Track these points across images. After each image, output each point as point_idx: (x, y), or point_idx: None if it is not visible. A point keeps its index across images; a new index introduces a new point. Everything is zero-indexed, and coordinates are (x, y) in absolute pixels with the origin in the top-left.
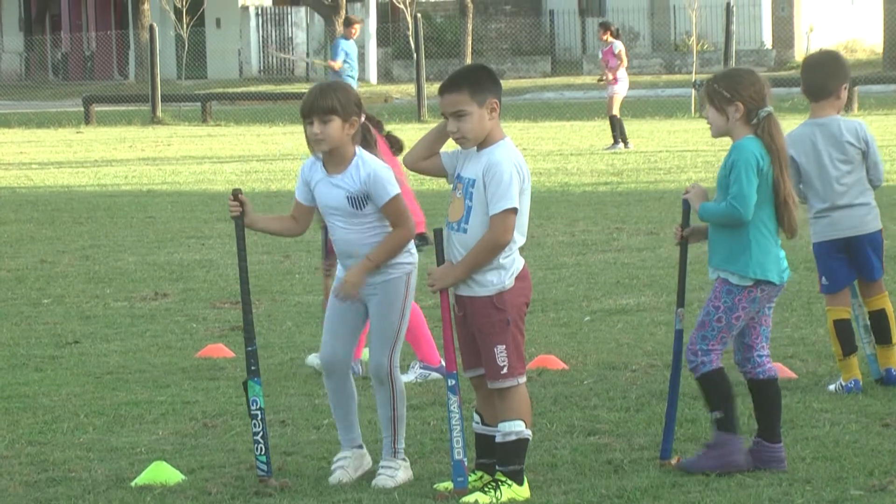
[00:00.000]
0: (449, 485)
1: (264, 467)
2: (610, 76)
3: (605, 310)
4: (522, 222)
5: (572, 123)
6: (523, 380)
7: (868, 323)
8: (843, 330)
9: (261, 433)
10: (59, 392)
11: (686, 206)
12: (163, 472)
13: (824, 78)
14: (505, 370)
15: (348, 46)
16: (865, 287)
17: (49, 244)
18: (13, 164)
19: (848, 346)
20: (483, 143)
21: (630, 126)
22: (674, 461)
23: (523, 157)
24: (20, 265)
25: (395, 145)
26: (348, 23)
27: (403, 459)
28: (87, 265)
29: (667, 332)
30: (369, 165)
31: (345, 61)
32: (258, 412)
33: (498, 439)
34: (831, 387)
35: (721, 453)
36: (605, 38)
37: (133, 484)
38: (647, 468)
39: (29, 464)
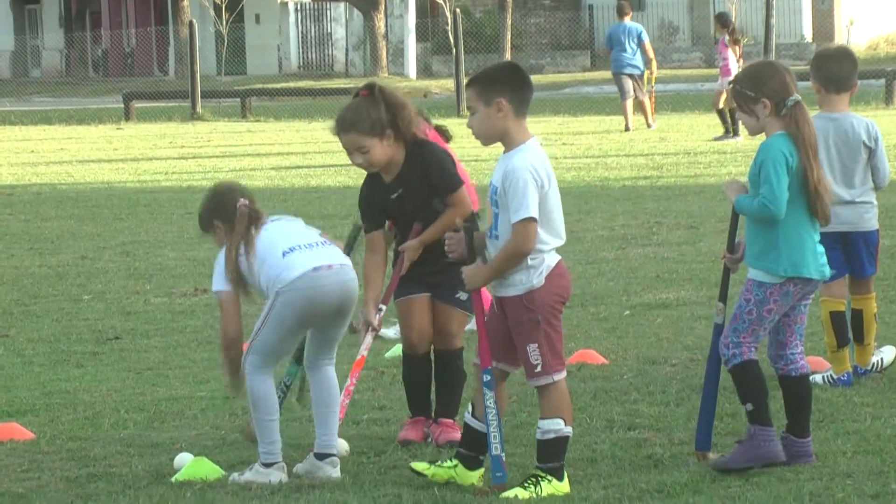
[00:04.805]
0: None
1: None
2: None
3: (644, 304)
4: (555, 224)
5: (612, 118)
6: (560, 377)
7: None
8: (839, 322)
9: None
10: (99, 388)
11: (734, 221)
12: (203, 468)
13: (849, 70)
14: (539, 368)
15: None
16: (854, 284)
17: (90, 240)
18: (54, 160)
19: (842, 339)
20: (506, 147)
21: (670, 120)
22: (712, 455)
23: (545, 158)
24: (61, 261)
25: (445, 135)
26: (625, 9)
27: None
28: (128, 261)
29: (706, 327)
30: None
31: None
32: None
33: (538, 437)
34: (818, 377)
35: (753, 445)
36: (721, 31)
37: (173, 479)
38: (687, 463)
39: (70, 459)
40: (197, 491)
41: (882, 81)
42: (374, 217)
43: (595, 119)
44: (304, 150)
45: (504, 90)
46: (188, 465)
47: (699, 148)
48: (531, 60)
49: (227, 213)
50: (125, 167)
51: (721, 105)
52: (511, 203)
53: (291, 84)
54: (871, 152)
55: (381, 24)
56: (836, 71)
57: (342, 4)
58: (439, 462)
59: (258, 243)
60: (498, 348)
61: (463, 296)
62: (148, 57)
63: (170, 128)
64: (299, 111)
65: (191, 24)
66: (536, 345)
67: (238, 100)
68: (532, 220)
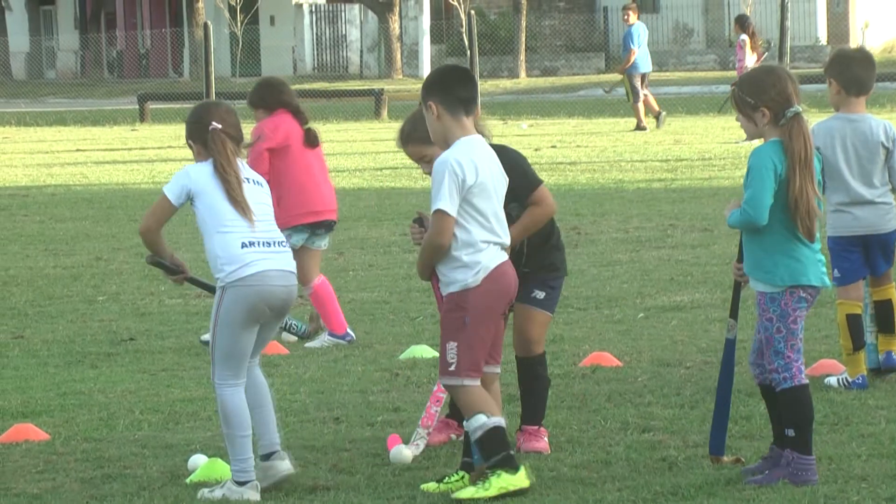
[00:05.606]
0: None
1: None
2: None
3: (659, 307)
4: (488, 221)
5: (626, 120)
6: (472, 383)
7: (872, 311)
8: (855, 324)
9: None
10: (114, 389)
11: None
12: (217, 469)
13: (871, 73)
14: (452, 367)
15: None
16: (873, 278)
17: (104, 241)
18: (69, 161)
19: (858, 342)
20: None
21: (684, 122)
22: (726, 459)
23: (478, 155)
24: (76, 262)
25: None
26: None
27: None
28: (142, 262)
29: (721, 329)
30: None
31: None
32: None
33: (472, 439)
34: (833, 380)
35: (790, 473)
36: (739, 33)
37: (188, 480)
38: (701, 465)
39: (84, 460)
40: None
41: None
42: None
43: (610, 121)
44: None
45: (434, 93)
46: (203, 466)
47: (713, 150)
48: (546, 62)
49: (200, 134)
50: (140, 168)
51: None
52: (431, 195)
53: (306, 86)
54: (889, 153)
55: (395, 25)
56: (860, 74)
57: (357, 6)
58: (446, 479)
59: (221, 204)
60: None
61: (539, 294)
62: (163, 58)
63: (184, 129)
64: (314, 113)
65: (206, 25)
66: (456, 344)
67: None
68: (443, 212)
